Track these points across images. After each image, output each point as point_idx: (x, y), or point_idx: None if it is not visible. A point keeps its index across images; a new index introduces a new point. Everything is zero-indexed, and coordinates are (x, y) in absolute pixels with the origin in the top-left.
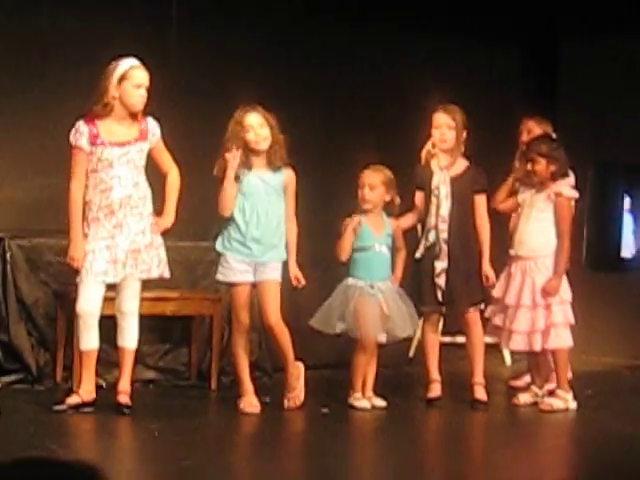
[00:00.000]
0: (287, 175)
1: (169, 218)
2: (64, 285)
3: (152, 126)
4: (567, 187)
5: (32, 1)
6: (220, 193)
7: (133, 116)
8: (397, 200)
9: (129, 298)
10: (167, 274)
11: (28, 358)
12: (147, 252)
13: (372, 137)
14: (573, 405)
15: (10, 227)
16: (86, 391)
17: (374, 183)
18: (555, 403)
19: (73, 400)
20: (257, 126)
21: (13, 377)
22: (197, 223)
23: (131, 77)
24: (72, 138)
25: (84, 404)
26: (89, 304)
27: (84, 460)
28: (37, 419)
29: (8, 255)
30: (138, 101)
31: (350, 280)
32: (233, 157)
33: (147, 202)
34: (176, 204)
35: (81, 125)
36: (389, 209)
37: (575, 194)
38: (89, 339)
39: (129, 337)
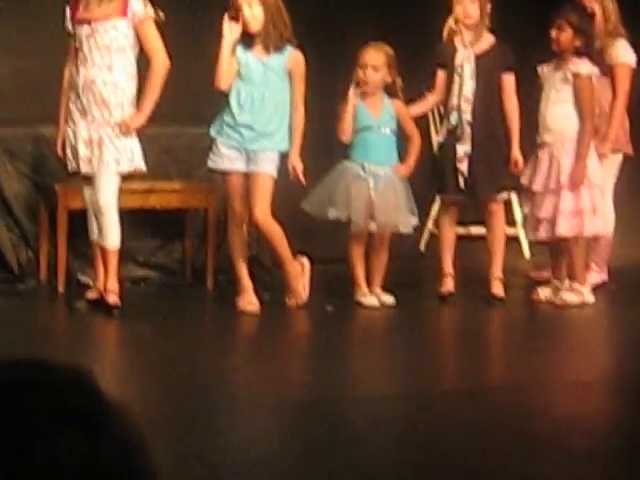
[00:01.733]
0: (291, 57)
1: (139, 117)
2: (46, 177)
3: (134, 2)
4: (586, 64)
5: None
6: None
7: None
8: (399, 81)
9: (98, 192)
10: (141, 166)
11: (8, 255)
12: (112, 144)
13: (377, 12)
14: (590, 299)
15: None
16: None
17: (377, 63)
18: (569, 297)
19: (92, 295)
20: (245, 4)
21: None
22: (190, 105)
23: None
24: None
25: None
26: (85, 195)
27: (71, 364)
28: (20, 321)
29: None
30: None
31: (345, 162)
32: (229, 30)
33: (117, 90)
34: (153, 100)
35: (68, 6)
36: (390, 90)
37: (595, 71)
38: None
39: (105, 235)
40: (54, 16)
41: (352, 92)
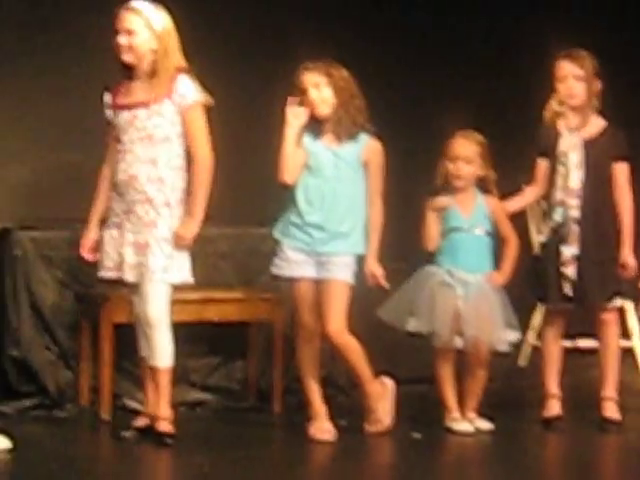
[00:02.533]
0: (368, 146)
1: (192, 225)
2: (87, 286)
3: (182, 85)
4: None
5: None
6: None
7: (152, 73)
8: (492, 174)
9: (146, 303)
10: (189, 279)
11: (46, 377)
12: (160, 249)
13: (464, 94)
14: None
15: (19, 215)
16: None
17: (469, 155)
18: None
19: (141, 422)
20: (313, 86)
21: (28, 402)
22: (250, 203)
23: (115, 22)
24: None
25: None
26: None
27: None
28: (59, 453)
29: (18, 250)
30: (119, 51)
31: (429, 267)
32: (294, 115)
33: (163, 187)
34: (204, 200)
35: (107, 92)
36: (483, 185)
37: None
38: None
39: (156, 353)
40: (94, 106)
41: (441, 191)
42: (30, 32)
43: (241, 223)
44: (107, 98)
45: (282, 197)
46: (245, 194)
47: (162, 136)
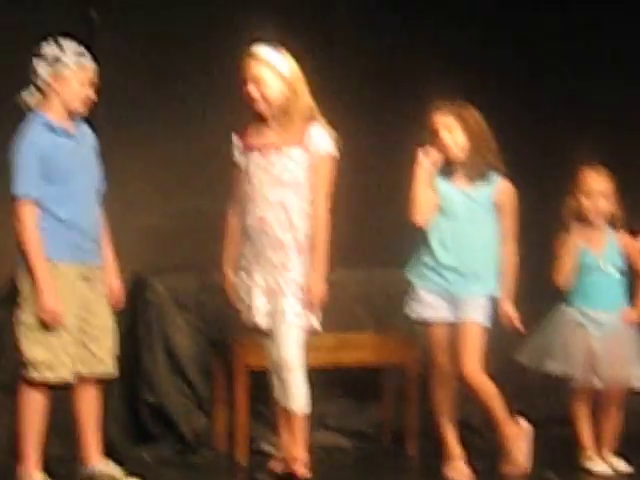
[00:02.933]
0: (500, 188)
1: (318, 279)
2: (221, 332)
3: (315, 134)
4: None
5: None
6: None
7: (284, 115)
8: (621, 211)
9: (281, 348)
10: (317, 327)
11: (182, 423)
12: (292, 293)
13: (593, 129)
14: None
15: (152, 261)
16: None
17: (606, 190)
18: None
19: (277, 466)
20: (446, 129)
21: (164, 447)
22: (381, 244)
23: (242, 70)
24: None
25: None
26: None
27: None
28: None
29: (151, 296)
30: (249, 100)
31: (563, 307)
32: (425, 157)
33: (294, 231)
34: (324, 254)
35: (236, 134)
36: (613, 222)
37: None
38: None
39: (291, 397)
40: (220, 151)
41: (573, 228)
42: (158, 81)
43: (373, 265)
44: (236, 140)
45: (414, 239)
46: (376, 236)
47: (292, 180)
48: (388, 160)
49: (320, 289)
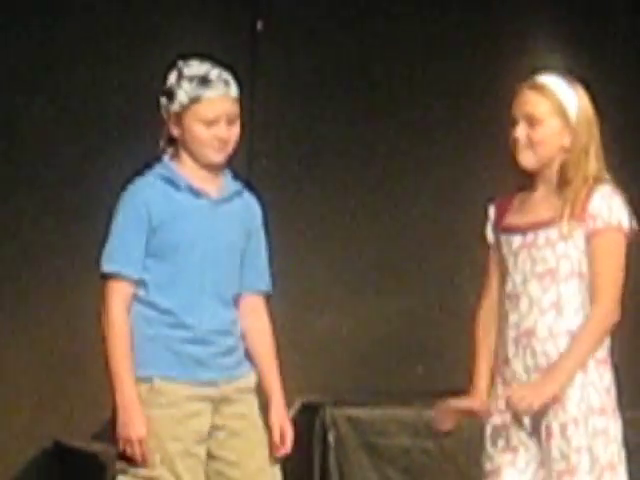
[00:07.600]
0: None
1: (549, 386)
2: None
3: (599, 199)
4: None
5: None
6: None
7: (562, 181)
8: None
9: None
10: None
11: None
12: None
13: None
14: None
15: (333, 385)
16: None
17: None
18: None
19: None
20: None
21: None
22: None
23: (512, 106)
24: None
25: None
26: None
27: None
28: None
29: (331, 435)
30: (514, 149)
31: None
32: None
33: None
34: (576, 363)
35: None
36: None
37: None
38: None
39: None
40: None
41: None
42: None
43: None
44: (492, 212)
45: None
46: None
47: (570, 270)
48: None
49: (528, 402)
